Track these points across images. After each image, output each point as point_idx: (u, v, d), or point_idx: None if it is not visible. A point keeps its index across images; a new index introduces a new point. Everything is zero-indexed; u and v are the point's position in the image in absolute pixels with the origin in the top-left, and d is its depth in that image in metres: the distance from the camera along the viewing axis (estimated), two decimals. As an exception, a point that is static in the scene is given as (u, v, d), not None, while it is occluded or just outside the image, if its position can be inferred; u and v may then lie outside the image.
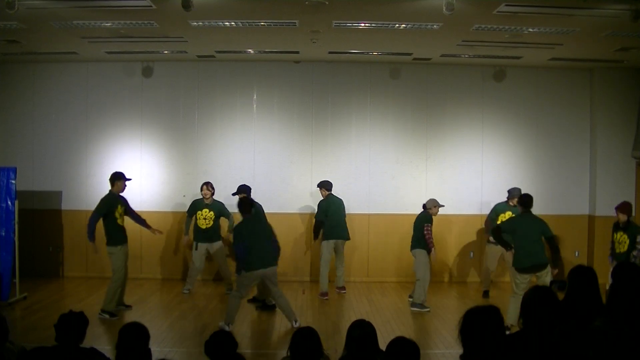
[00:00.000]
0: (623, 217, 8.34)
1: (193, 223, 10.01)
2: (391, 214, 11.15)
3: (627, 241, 8.23)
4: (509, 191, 9.92)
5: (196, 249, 9.98)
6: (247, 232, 7.86)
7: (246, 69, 11.17)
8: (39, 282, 10.42)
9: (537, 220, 7.93)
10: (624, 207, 8.41)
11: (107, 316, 8.33)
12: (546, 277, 7.73)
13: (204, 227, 9.92)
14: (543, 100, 11.33)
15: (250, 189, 9.86)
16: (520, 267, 7.74)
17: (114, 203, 8.67)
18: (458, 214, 10.95)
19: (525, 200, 8.05)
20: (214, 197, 10.07)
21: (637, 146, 10.98)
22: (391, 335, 3.92)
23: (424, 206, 9.31)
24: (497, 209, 9.90)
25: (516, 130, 11.33)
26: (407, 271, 11.07)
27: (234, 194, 9.86)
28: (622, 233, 8.35)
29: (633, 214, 8.71)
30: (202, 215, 9.94)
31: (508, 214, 9.61)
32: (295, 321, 7.99)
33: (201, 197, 10.04)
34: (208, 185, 10.05)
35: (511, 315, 7.50)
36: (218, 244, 10.05)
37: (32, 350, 3.97)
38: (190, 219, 10.04)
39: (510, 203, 9.74)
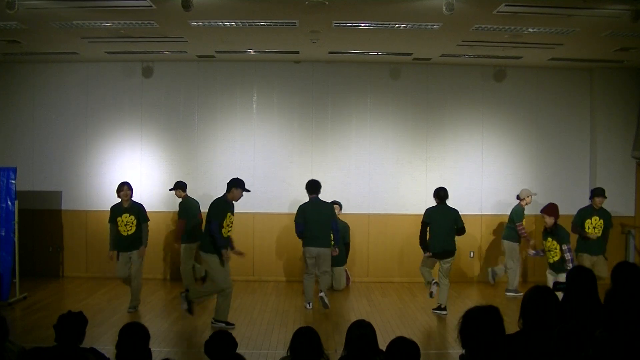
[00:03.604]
0: (550, 221, 7.90)
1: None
2: (391, 214, 11.15)
3: (558, 247, 7.92)
4: (592, 190, 9.51)
5: (118, 259, 8.90)
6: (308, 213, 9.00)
7: (246, 69, 11.17)
8: (39, 282, 10.43)
9: (452, 211, 8.84)
10: (551, 210, 7.96)
11: (222, 325, 7.94)
12: (447, 264, 8.79)
13: (125, 234, 8.77)
14: (543, 100, 11.33)
15: (185, 184, 10.17)
16: (433, 252, 8.78)
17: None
18: (458, 214, 10.95)
19: (440, 194, 8.87)
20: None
21: (637, 146, 10.98)
22: (391, 335, 3.92)
23: (518, 197, 10.07)
24: (582, 215, 9.20)
25: (516, 130, 11.34)
26: (407, 271, 11.08)
27: (171, 189, 10.18)
28: (551, 239, 7.98)
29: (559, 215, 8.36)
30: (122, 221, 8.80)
31: (595, 219, 9.11)
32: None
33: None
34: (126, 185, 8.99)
35: (425, 277, 8.99)
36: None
37: (32, 349, 3.97)
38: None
39: (596, 205, 9.18)
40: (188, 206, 10.03)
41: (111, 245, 8.88)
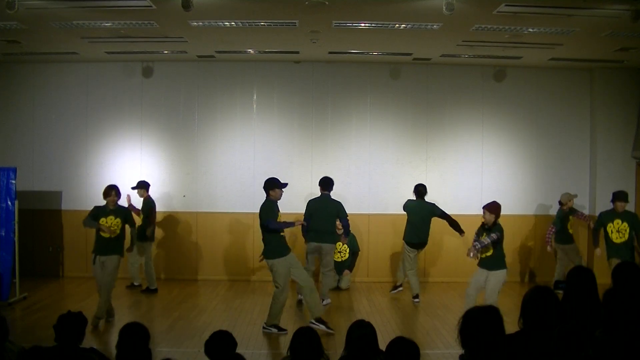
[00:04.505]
0: (490, 218, 7.66)
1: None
2: (391, 214, 11.14)
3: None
4: (613, 194, 8.90)
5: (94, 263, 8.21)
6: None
7: (246, 69, 11.17)
8: (39, 282, 10.42)
9: (428, 205, 9.65)
10: (493, 208, 7.72)
11: (274, 330, 7.87)
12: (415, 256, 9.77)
13: (107, 236, 8.07)
14: (543, 100, 11.33)
15: (149, 184, 10.14)
16: (410, 241, 9.68)
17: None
18: (458, 214, 10.90)
19: (418, 189, 9.68)
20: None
21: (637, 146, 10.98)
22: (391, 335, 3.92)
23: (560, 202, 10.15)
24: (603, 219, 8.85)
25: (516, 130, 11.33)
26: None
27: (133, 188, 10.05)
28: (485, 235, 7.72)
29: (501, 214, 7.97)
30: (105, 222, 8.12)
31: (617, 223, 8.66)
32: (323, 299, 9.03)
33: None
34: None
35: (414, 287, 9.63)
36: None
37: (31, 349, 3.97)
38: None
39: (617, 209, 8.71)
40: (151, 205, 10.05)
41: (90, 222, 8.14)
